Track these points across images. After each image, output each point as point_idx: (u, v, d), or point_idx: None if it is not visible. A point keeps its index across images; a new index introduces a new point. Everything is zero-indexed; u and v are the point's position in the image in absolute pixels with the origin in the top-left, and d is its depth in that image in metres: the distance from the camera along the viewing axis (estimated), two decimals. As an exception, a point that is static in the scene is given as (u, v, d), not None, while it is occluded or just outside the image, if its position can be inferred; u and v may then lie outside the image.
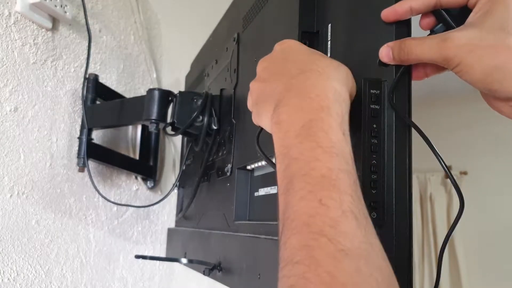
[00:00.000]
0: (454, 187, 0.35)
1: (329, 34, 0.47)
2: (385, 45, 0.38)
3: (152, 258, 0.82)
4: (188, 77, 1.09)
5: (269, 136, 0.39)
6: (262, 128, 0.44)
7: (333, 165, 0.31)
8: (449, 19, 0.37)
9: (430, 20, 0.39)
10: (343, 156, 0.32)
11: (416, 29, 0.40)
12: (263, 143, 0.46)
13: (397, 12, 0.38)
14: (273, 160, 0.46)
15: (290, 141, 0.33)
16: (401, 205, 0.36)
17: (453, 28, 0.36)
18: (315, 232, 0.28)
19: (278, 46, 0.43)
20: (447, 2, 0.37)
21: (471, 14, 0.35)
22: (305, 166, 0.31)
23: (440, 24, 0.38)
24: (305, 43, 0.49)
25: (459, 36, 0.34)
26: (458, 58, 0.33)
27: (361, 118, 0.38)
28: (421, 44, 0.36)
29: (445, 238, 0.37)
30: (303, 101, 0.34)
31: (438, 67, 0.39)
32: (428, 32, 0.39)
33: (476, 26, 0.34)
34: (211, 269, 0.64)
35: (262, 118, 0.41)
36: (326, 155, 0.31)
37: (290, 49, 0.42)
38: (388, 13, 0.39)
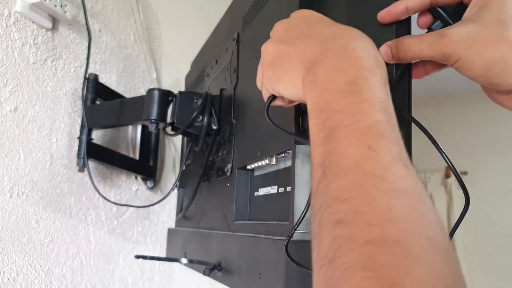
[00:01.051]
0: (459, 183, 0.35)
1: None
2: (384, 44, 0.38)
3: (152, 258, 0.82)
4: (188, 77, 1.09)
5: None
6: (273, 98, 0.42)
7: (380, 117, 0.30)
8: (445, 16, 0.38)
9: (427, 18, 0.39)
10: (389, 112, 0.31)
11: (416, 27, 0.40)
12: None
13: (393, 13, 0.38)
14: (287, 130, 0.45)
15: (330, 97, 0.32)
16: None
17: (451, 24, 0.37)
18: (367, 173, 0.27)
19: (297, 14, 0.41)
20: (444, 0, 0.37)
21: (467, 10, 0.35)
22: (350, 117, 0.30)
23: (437, 22, 0.38)
24: None
25: (456, 32, 0.34)
26: (457, 54, 0.33)
27: None
28: (419, 42, 0.35)
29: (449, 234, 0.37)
30: (346, 61, 0.33)
31: (437, 64, 0.39)
32: (426, 30, 0.39)
33: (473, 21, 0.33)
34: (211, 269, 0.64)
35: (283, 82, 0.38)
36: (373, 109, 0.30)
37: (312, 16, 0.40)
38: (384, 15, 0.39)
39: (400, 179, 0.27)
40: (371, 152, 0.28)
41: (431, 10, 0.38)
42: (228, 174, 0.66)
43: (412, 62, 0.39)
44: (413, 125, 0.38)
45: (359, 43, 0.35)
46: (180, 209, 0.98)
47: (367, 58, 0.33)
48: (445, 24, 0.38)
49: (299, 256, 0.40)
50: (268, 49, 0.40)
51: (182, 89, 1.10)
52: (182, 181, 0.95)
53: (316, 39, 0.37)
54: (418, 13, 0.39)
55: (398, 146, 0.29)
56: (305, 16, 0.41)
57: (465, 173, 2.85)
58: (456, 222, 0.36)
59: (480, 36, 0.32)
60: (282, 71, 0.38)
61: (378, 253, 0.23)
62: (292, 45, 0.38)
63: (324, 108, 0.32)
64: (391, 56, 0.37)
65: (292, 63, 0.37)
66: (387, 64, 0.38)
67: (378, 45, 0.39)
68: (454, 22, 0.36)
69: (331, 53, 0.34)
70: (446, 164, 0.37)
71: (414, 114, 0.39)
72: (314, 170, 0.31)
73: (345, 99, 0.31)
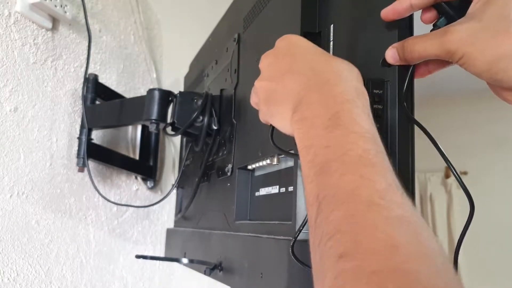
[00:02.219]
0: (464, 190, 0.35)
1: (332, 34, 0.47)
2: (391, 46, 0.38)
3: (153, 258, 0.81)
4: (187, 77, 1.09)
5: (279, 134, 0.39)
6: (273, 127, 0.43)
7: (369, 146, 0.30)
8: (450, 11, 0.37)
9: (431, 14, 0.39)
10: (376, 141, 0.31)
11: (419, 25, 0.40)
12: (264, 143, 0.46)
13: (397, 10, 0.38)
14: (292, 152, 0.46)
15: (316, 133, 0.33)
16: None
17: (455, 20, 0.36)
18: (364, 201, 0.26)
19: (281, 42, 0.42)
20: None
21: (472, 5, 0.35)
22: (339, 150, 0.30)
23: (442, 17, 0.38)
24: None
25: (460, 29, 0.33)
26: (461, 50, 0.33)
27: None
28: (423, 41, 0.35)
29: (456, 246, 0.37)
30: (327, 98, 0.34)
31: (440, 63, 0.39)
32: (431, 26, 0.39)
33: (476, 17, 0.33)
34: (212, 269, 0.64)
35: (276, 118, 0.40)
36: (361, 139, 0.30)
37: (295, 45, 0.40)
38: (388, 12, 0.38)
39: (398, 206, 0.26)
40: (365, 180, 0.28)
41: (436, 5, 0.38)
42: (229, 174, 0.66)
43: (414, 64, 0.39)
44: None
45: (339, 77, 0.35)
46: (179, 209, 0.98)
47: (347, 91, 0.34)
48: (450, 19, 0.37)
49: (302, 256, 0.40)
50: (260, 86, 0.41)
51: (182, 89, 1.10)
52: (181, 181, 0.95)
53: (299, 75, 0.37)
54: (421, 9, 0.39)
55: (391, 173, 0.29)
56: (289, 45, 0.41)
57: (465, 173, 2.86)
58: (462, 232, 0.36)
59: (484, 32, 0.32)
60: (274, 108, 0.40)
61: (386, 282, 0.22)
62: (279, 83, 0.39)
63: (312, 144, 0.32)
64: (398, 58, 0.37)
65: (281, 102, 0.38)
66: (389, 65, 0.38)
67: (380, 46, 0.39)
68: (459, 17, 0.36)
69: (313, 91, 0.35)
70: (446, 164, 0.37)
71: (415, 114, 0.39)
72: (310, 205, 0.31)
73: (331, 134, 0.31)
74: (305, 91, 0.36)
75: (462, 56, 0.33)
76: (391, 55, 0.38)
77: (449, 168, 0.35)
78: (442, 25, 0.37)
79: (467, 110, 2.83)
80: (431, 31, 0.38)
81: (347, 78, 0.36)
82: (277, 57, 0.41)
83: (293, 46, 0.40)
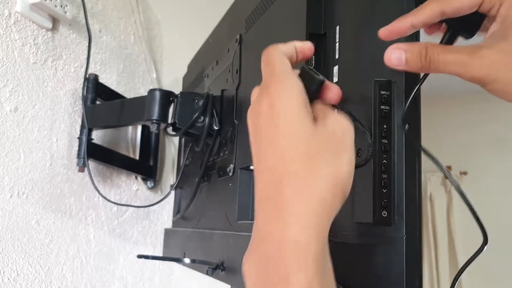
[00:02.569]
0: (476, 221, 0.34)
1: (338, 36, 0.47)
2: (395, 46, 0.34)
3: (155, 258, 0.81)
4: (185, 78, 1.08)
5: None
6: None
7: None
8: (459, 26, 0.35)
9: (435, 27, 0.36)
10: None
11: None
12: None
13: (397, 31, 0.35)
14: None
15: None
16: (411, 204, 0.36)
17: (465, 36, 0.35)
18: None
19: (265, 98, 0.33)
20: (453, 11, 0.33)
21: (495, 24, 0.32)
22: None
23: (450, 31, 0.35)
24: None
25: (491, 52, 0.30)
26: (492, 76, 0.30)
27: (372, 119, 0.38)
28: (448, 54, 0.32)
29: (459, 271, 0.37)
30: (266, 272, 0.29)
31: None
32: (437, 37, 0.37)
33: (507, 38, 0.30)
34: (214, 269, 0.64)
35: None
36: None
37: (281, 115, 0.31)
38: (386, 33, 0.35)
39: None
40: None
41: (442, 21, 0.35)
42: (231, 174, 0.66)
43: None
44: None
45: (299, 190, 0.30)
46: (177, 209, 0.98)
47: (296, 226, 0.29)
48: (458, 34, 0.35)
49: None
50: (250, 119, 0.36)
51: (181, 89, 1.10)
52: (180, 182, 0.95)
53: (265, 171, 0.32)
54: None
55: None
56: (272, 115, 0.32)
57: (465, 173, 2.86)
58: (468, 260, 0.36)
59: None
60: (255, 161, 0.35)
61: None
62: (257, 146, 0.33)
63: None
64: (405, 62, 0.33)
65: (259, 166, 0.33)
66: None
67: (387, 46, 0.35)
68: (469, 32, 0.34)
69: (261, 210, 0.31)
70: (446, 164, 0.37)
71: (412, 112, 0.39)
72: None
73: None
74: (262, 200, 0.31)
75: (493, 82, 0.30)
76: (396, 57, 0.34)
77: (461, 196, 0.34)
78: (451, 41, 0.35)
79: (468, 110, 2.83)
80: (441, 42, 0.35)
81: (314, 192, 0.29)
82: (259, 117, 0.33)
83: (277, 114, 0.31)
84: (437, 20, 0.34)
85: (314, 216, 0.29)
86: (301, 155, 0.30)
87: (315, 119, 0.33)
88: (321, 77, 0.34)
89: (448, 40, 0.36)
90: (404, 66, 0.34)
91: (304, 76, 0.34)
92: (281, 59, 0.34)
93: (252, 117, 0.34)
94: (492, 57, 0.30)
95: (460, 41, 0.36)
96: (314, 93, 0.34)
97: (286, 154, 0.30)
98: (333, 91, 0.35)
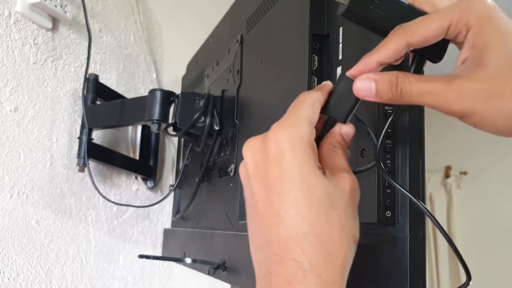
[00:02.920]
0: (460, 261, 0.34)
1: (341, 36, 0.46)
2: (364, 76, 0.32)
3: (156, 257, 0.81)
4: (184, 78, 1.08)
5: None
6: None
7: None
8: (426, 52, 0.33)
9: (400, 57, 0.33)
10: None
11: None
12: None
13: (364, 71, 0.33)
14: None
15: None
16: (414, 204, 0.37)
17: (432, 60, 0.33)
18: None
19: (274, 145, 0.31)
20: (419, 42, 0.30)
21: (465, 51, 0.30)
22: None
23: (417, 57, 0.34)
24: (315, 46, 0.48)
25: (468, 82, 0.28)
26: (471, 108, 0.28)
27: (376, 120, 0.38)
28: (421, 84, 0.30)
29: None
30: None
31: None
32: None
33: (481, 66, 0.28)
34: (216, 268, 0.64)
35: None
36: None
37: (287, 171, 0.30)
38: (355, 74, 0.33)
39: None
40: None
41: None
42: (232, 174, 0.66)
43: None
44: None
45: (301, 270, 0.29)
46: (177, 209, 0.98)
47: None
48: (425, 59, 0.34)
49: None
50: (243, 176, 0.35)
51: (180, 90, 1.10)
52: (180, 182, 0.95)
53: (266, 239, 0.31)
54: None
55: None
56: (282, 164, 0.30)
57: (465, 173, 2.86)
58: None
59: (499, 85, 0.27)
60: (250, 232, 0.36)
61: None
62: (257, 207, 0.32)
63: None
64: (375, 93, 0.31)
65: (254, 238, 0.34)
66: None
67: None
68: (437, 56, 0.33)
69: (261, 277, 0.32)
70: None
71: (415, 113, 0.39)
72: None
73: None
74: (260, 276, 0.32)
75: (473, 115, 0.28)
76: (364, 88, 0.32)
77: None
78: (420, 67, 0.33)
79: (467, 110, 2.83)
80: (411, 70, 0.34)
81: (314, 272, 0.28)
82: (263, 169, 0.31)
83: (285, 169, 0.30)
84: (403, 53, 0.32)
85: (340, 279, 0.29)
86: (316, 213, 0.29)
87: (323, 169, 0.32)
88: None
89: (417, 67, 0.34)
90: (374, 97, 0.32)
91: (344, 85, 0.33)
92: (308, 106, 0.33)
93: (261, 156, 0.32)
94: (471, 88, 0.28)
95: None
96: (355, 102, 0.34)
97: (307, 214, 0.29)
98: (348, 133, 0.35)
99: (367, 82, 0.31)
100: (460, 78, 0.28)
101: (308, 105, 0.33)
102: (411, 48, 0.31)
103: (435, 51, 0.33)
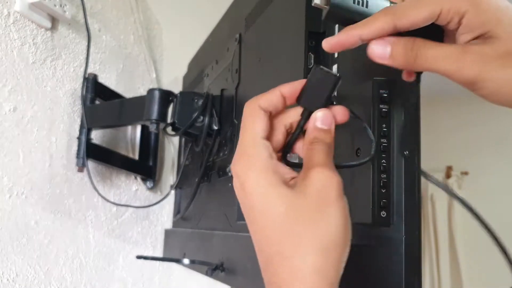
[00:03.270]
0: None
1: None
2: (380, 40, 0.31)
3: (154, 258, 0.81)
4: (185, 77, 1.08)
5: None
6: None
7: None
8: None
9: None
10: None
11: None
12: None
13: (342, 43, 0.32)
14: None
15: None
16: (410, 204, 0.36)
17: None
18: None
19: (236, 177, 0.33)
20: (406, 27, 0.30)
21: (464, 36, 0.29)
22: None
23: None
24: (311, 44, 0.48)
25: (483, 47, 0.28)
26: (484, 74, 0.28)
27: (371, 119, 0.38)
28: (437, 48, 0.29)
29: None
30: None
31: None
32: None
33: (494, 38, 0.28)
34: (214, 269, 0.64)
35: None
36: None
37: (250, 200, 0.31)
38: (329, 46, 0.32)
39: None
40: None
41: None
42: (230, 174, 0.66)
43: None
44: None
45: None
46: (177, 210, 0.98)
47: None
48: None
49: None
50: (235, 183, 0.34)
51: (181, 89, 1.10)
52: (180, 182, 0.95)
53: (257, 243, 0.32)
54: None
55: None
56: (241, 201, 0.32)
57: (466, 173, 2.85)
58: None
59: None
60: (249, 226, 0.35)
61: None
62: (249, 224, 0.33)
63: None
64: (389, 56, 0.31)
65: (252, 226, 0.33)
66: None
67: None
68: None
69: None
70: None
71: (411, 111, 0.39)
72: None
73: None
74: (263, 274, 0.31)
75: (485, 81, 0.28)
76: (381, 51, 0.31)
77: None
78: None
79: (468, 110, 2.82)
80: None
81: (306, 260, 0.28)
82: (239, 197, 0.33)
83: (249, 197, 0.31)
84: (387, 34, 0.31)
85: None
86: (282, 232, 0.29)
87: (292, 180, 0.32)
88: (338, 74, 0.32)
89: None
90: (388, 60, 0.31)
91: (318, 76, 0.33)
92: (252, 123, 0.33)
93: (236, 191, 0.33)
94: (488, 53, 0.27)
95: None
96: (330, 92, 0.33)
97: (267, 233, 0.30)
98: (340, 113, 0.34)
99: (382, 44, 0.31)
100: (476, 45, 0.28)
101: (250, 124, 0.33)
102: (396, 32, 0.30)
103: (429, 37, 0.32)
